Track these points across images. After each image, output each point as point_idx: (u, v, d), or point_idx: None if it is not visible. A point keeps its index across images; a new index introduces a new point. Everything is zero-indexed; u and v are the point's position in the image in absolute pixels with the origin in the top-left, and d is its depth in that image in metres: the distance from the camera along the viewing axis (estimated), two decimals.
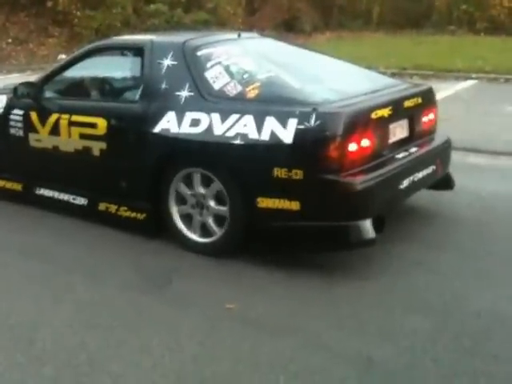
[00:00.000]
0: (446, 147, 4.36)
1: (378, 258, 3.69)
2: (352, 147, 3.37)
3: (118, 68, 4.62)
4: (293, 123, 3.34)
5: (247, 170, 3.52)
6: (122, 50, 4.53)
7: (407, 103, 3.93)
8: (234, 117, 3.53)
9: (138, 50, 4.18)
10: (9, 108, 4.70)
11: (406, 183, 3.75)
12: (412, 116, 4.01)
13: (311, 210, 3.40)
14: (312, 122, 3.31)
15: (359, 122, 3.44)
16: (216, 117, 3.59)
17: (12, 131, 4.66)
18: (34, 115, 4.50)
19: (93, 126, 4.13)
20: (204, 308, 3.16)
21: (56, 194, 4.57)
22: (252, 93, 3.63)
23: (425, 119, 4.16)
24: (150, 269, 3.67)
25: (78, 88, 4.66)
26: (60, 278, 3.57)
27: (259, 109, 3.50)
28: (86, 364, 2.69)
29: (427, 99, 4.21)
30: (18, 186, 4.84)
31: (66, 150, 4.34)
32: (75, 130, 4.25)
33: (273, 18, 21.67)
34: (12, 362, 2.73)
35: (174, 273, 3.59)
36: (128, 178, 4.10)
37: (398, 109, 3.78)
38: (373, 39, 19.03)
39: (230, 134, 3.51)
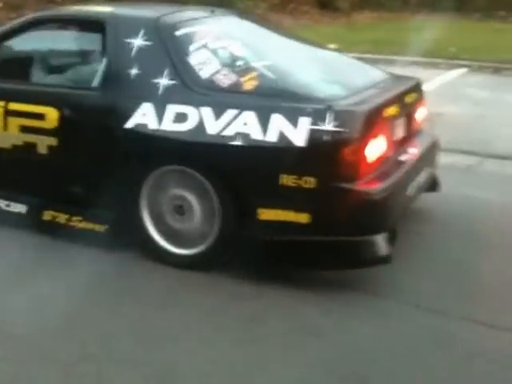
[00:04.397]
0: (436, 147, 4.03)
1: None
2: (369, 150, 2.93)
3: (68, 46, 3.84)
4: (305, 123, 2.84)
5: (247, 176, 2.97)
6: (74, 23, 3.74)
7: (407, 98, 3.55)
8: (231, 112, 2.96)
9: (96, 25, 3.45)
10: None
11: (411, 188, 3.37)
12: (409, 113, 3.63)
13: (321, 223, 2.93)
14: (327, 121, 2.83)
15: (375, 121, 3.00)
16: (207, 112, 3.01)
17: None
18: None
19: (39, 117, 3.40)
20: None
21: None
22: (249, 84, 3.07)
23: (418, 116, 3.81)
24: None
25: (18, 70, 3.78)
26: None
27: (261, 104, 2.96)
28: None
29: (420, 94, 3.85)
30: None
31: None
32: (14, 122, 3.49)
33: None
34: None
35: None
36: (85, 181, 3.41)
37: (401, 105, 3.39)
38: (429, 23, 14.78)
39: (228, 133, 2.95)
